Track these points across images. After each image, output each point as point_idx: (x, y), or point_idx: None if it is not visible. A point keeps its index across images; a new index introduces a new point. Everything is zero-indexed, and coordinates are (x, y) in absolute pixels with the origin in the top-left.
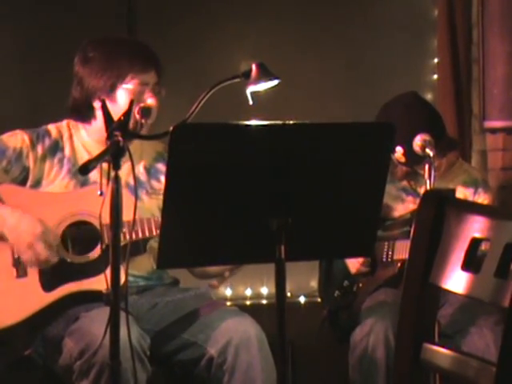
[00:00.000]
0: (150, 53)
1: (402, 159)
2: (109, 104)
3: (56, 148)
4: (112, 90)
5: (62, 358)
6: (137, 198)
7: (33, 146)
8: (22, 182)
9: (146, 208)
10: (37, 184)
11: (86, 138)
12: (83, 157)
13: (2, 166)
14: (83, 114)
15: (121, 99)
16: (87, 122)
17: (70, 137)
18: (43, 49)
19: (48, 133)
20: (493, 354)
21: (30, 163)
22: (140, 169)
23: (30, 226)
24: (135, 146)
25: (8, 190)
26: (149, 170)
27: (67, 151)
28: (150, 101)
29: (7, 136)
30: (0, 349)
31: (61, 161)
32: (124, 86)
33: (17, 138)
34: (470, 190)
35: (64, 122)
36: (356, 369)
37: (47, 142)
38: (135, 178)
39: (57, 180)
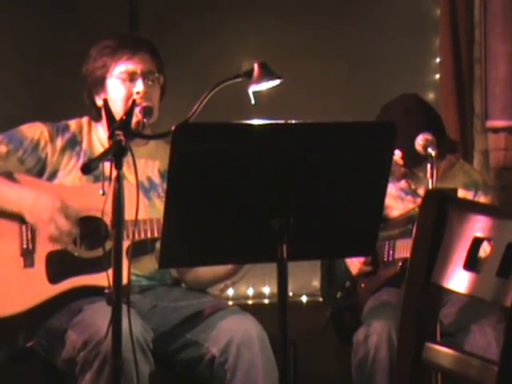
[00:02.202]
0: (137, 41)
1: (400, 162)
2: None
3: (74, 141)
4: (102, 82)
5: (65, 351)
6: (138, 194)
7: (51, 138)
8: (39, 173)
9: (156, 211)
10: (53, 175)
11: (102, 134)
12: (99, 151)
13: (18, 155)
14: (93, 113)
15: (111, 90)
16: (98, 120)
17: (89, 132)
18: (45, 49)
19: (67, 127)
20: (494, 352)
21: (48, 155)
22: (155, 171)
23: (47, 202)
24: (151, 148)
25: (21, 179)
26: (163, 174)
27: (84, 145)
28: (138, 87)
29: (27, 127)
30: (2, 340)
31: (78, 153)
32: (109, 75)
33: (35, 130)
34: (470, 192)
35: (84, 118)
36: (359, 369)
37: (66, 135)
38: (137, 177)
39: (73, 172)
